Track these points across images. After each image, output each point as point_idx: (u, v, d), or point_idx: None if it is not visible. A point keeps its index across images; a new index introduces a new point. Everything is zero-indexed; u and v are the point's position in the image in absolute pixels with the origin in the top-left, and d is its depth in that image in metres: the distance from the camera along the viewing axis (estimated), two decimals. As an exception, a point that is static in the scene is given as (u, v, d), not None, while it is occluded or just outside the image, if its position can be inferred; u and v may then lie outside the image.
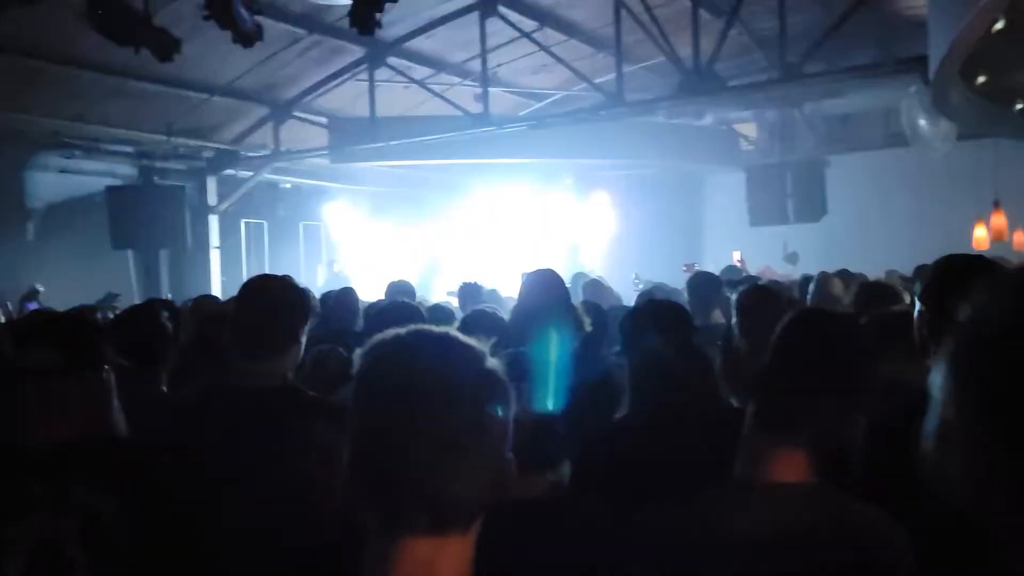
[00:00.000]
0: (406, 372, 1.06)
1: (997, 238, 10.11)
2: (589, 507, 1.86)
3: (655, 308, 2.86)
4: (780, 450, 1.58)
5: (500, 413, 1.09)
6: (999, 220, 10.24)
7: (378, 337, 1.12)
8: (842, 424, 1.57)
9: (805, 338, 1.66)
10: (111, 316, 5.07)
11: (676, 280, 7.56)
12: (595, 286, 6.38)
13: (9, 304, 8.28)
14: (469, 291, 6.00)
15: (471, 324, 3.43)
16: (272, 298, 2.36)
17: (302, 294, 2.46)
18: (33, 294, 8.67)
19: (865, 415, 1.59)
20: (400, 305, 4.17)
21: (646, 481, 1.97)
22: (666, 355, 2.45)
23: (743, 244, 7.45)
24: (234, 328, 2.38)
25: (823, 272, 5.09)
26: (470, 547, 1.08)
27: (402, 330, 1.12)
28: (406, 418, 1.04)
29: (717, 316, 4.69)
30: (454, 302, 6.18)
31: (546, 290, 3.45)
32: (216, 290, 11.62)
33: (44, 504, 1.74)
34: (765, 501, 1.54)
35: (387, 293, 5.85)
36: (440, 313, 4.91)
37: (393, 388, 1.06)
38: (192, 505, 1.90)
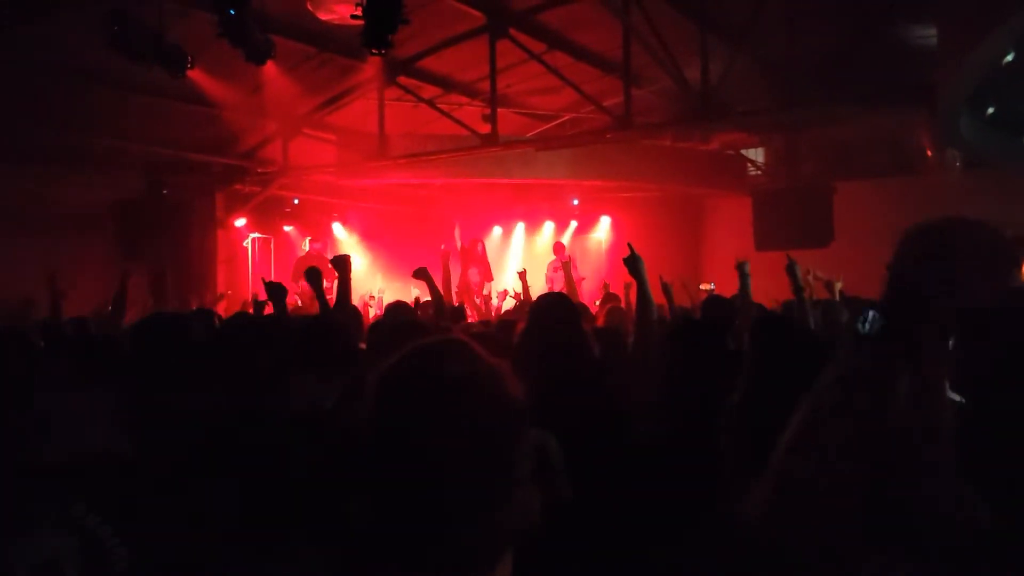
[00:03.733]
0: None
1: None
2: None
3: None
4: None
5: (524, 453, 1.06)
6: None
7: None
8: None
9: (778, 374, 1.62)
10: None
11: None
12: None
13: None
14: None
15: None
16: None
17: None
18: (28, 304, 8.61)
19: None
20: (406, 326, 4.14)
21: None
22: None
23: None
24: None
25: (829, 299, 5.09)
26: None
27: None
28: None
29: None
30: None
31: (557, 317, 3.43)
32: (221, 305, 11.64)
33: (45, 523, 1.74)
34: (747, 537, 1.53)
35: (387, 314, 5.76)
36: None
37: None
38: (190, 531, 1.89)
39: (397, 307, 5.20)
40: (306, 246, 13.71)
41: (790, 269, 5.25)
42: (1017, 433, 1.81)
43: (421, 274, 5.40)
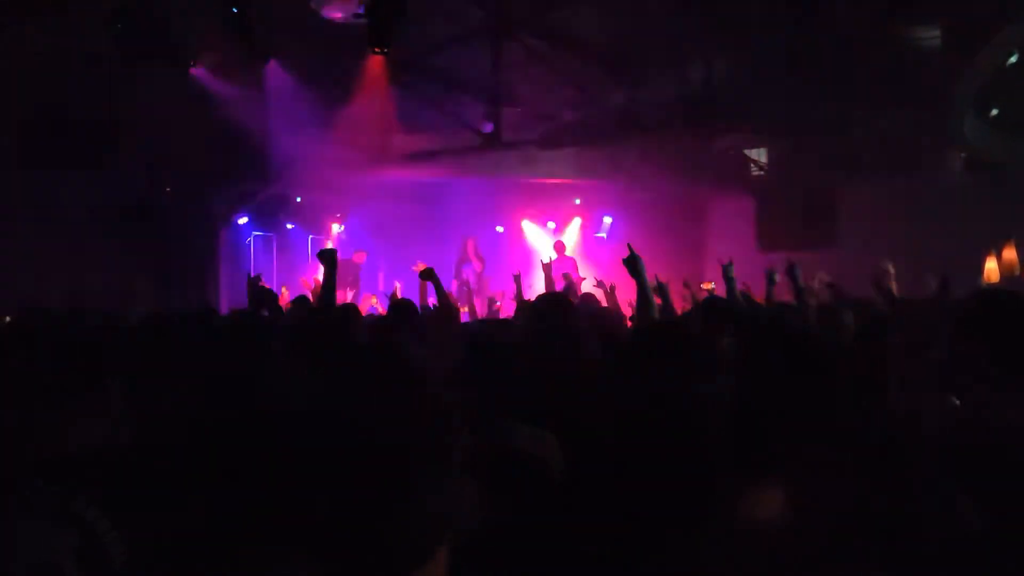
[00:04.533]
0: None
1: (1007, 271, 10.06)
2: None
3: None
4: (757, 487, 1.55)
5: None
6: (1010, 253, 10.19)
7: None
8: (819, 458, 1.54)
9: (766, 375, 1.61)
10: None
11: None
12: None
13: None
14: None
15: (479, 346, 3.42)
16: None
17: None
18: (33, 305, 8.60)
19: (842, 444, 1.56)
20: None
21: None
22: None
23: (749, 268, 7.43)
24: None
25: (832, 302, 5.07)
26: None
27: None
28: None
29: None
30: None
31: (555, 317, 3.43)
32: (223, 302, 11.65)
33: (42, 515, 1.74)
34: (745, 537, 1.52)
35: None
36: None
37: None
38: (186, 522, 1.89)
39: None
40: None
41: (791, 272, 5.33)
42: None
43: (428, 275, 5.35)
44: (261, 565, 1.76)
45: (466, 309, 7.64)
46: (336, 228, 14.91)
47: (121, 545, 1.74)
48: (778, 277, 5.60)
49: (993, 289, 2.14)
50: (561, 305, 3.54)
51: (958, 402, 1.99)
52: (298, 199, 13.87)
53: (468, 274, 12.41)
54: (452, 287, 12.21)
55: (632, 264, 4.20)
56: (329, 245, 13.90)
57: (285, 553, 1.97)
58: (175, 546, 1.81)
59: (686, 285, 6.23)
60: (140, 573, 1.75)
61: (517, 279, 7.71)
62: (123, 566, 1.74)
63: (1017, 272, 10.00)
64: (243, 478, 2.13)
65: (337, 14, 6.93)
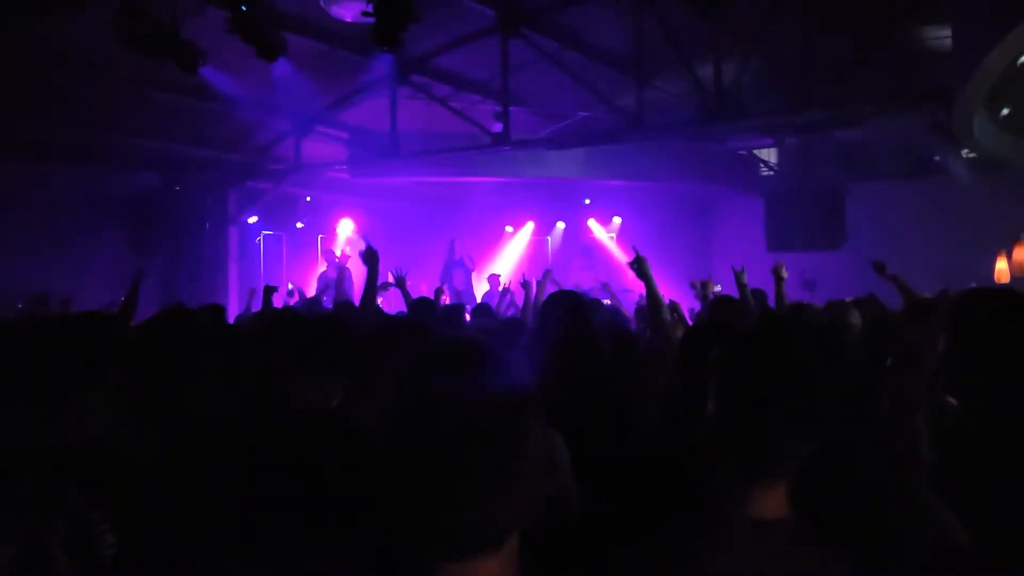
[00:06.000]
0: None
1: (1018, 272, 10.01)
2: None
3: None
4: (756, 489, 1.55)
5: (530, 437, 1.08)
6: (1021, 253, 10.14)
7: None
8: (811, 449, 1.54)
9: (747, 377, 1.60)
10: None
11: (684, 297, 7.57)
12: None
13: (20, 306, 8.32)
14: (424, 307, 5.58)
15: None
16: None
17: None
18: (43, 299, 8.68)
19: (826, 433, 1.55)
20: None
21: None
22: None
23: (758, 268, 7.41)
24: None
25: (841, 300, 5.05)
26: (508, 562, 1.09)
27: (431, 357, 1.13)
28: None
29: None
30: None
31: (565, 312, 3.42)
32: (233, 301, 11.69)
33: (34, 505, 1.74)
34: (744, 539, 1.52)
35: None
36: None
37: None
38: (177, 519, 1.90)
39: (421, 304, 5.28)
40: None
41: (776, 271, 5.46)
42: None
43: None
44: (254, 561, 1.77)
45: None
46: (345, 227, 14.94)
47: (111, 537, 1.75)
48: (785, 273, 5.60)
49: (979, 288, 2.12)
50: (571, 304, 3.52)
51: (955, 402, 1.98)
52: (307, 198, 13.91)
53: (458, 277, 12.43)
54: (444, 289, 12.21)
55: (638, 266, 4.20)
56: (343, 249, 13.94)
57: (285, 548, 1.98)
58: (166, 541, 1.82)
59: (692, 285, 6.21)
60: (130, 566, 1.75)
61: (525, 287, 7.69)
62: (113, 557, 1.74)
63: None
64: (259, 475, 2.14)
65: (345, 12, 6.94)
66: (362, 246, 4.94)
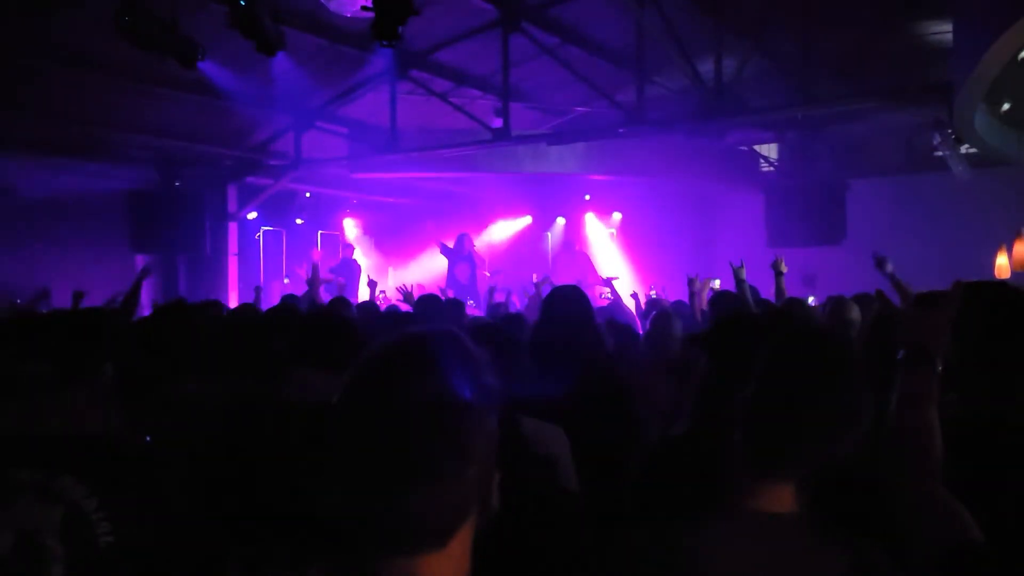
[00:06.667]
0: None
1: (1018, 267, 10.00)
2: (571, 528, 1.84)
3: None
4: (766, 483, 1.54)
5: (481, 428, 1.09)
6: (1021, 248, 10.13)
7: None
8: (830, 454, 1.53)
9: (790, 370, 1.60)
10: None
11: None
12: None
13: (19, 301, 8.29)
14: (429, 304, 5.63)
15: (483, 338, 3.42)
16: None
17: None
18: (45, 294, 8.65)
19: (855, 441, 1.54)
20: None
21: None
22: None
23: (759, 264, 7.40)
24: None
25: (841, 296, 5.04)
26: (457, 560, 1.08)
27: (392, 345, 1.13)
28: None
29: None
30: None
31: (568, 308, 3.41)
32: (233, 297, 11.69)
33: (29, 492, 1.75)
34: (750, 532, 1.51)
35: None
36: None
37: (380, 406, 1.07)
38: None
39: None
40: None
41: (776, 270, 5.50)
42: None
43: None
44: (251, 556, 1.77)
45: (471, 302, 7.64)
46: (349, 224, 14.96)
47: (108, 524, 1.76)
48: (785, 268, 5.62)
49: (976, 282, 2.11)
50: (574, 299, 3.52)
51: (955, 397, 1.98)
52: (307, 194, 13.90)
53: (463, 272, 12.40)
54: (447, 283, 12.21)
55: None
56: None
57: (281, 545, 1.98)
58: (164, 530, 1.82)
59: (690, 282, 6.20)
60: (127, 554, 1.76)
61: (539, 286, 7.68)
62: (108, 546, 1.75)
63: (1028, 268, 9.94)
64: (255, 470, 2.14)
65: (345, 7, 6.92)
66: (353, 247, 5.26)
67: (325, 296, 7.15)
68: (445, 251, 12.77)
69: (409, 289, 6.33)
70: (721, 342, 2.35)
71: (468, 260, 12.70)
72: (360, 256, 13.92)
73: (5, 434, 1.88)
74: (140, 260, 11.49)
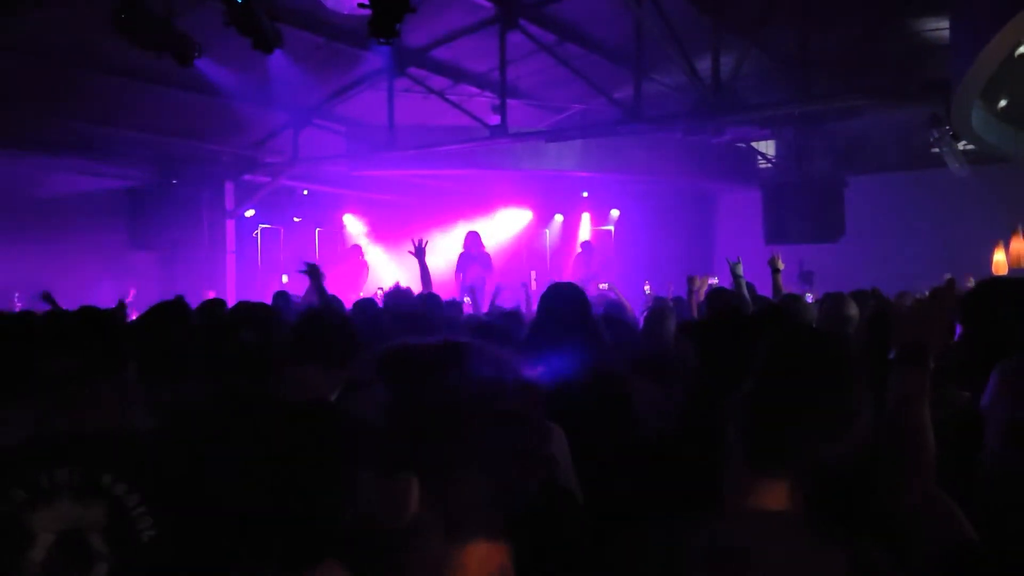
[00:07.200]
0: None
1: (1015, 263, 10.01)
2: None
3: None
4: (764, 480, 1.54)
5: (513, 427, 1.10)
6: (1018, 245, 10.14)
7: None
8: (829, 453, 1.53)
9: (789, 368, 1.60)
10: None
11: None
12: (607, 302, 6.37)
13: (17, 300, 8.30)
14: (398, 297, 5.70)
15: (480, 336, 3.42)
16: None
17: None
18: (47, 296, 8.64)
19: (853, 440, 1.54)
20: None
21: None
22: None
23: (756, 261, 7.41)
24: None
25: (838, 292, 5.05)
26: (484, 554, 1.10)
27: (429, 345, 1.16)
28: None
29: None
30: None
31: (566, 304, 3.41)
32: (231, 294, 11.68)
33: (70, 491, 1.76)
34: (750, 530, 1.51)
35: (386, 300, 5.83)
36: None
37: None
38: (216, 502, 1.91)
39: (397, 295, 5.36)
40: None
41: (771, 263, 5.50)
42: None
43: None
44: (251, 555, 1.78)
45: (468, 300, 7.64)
46: (349, 221, 14.99)
47: (149, 519, 1.76)
48: (782, 265, 5.64)
49: (993, 278, 2.11)
50: (572, 295, 3.52)
51: (968, 395, 1.98)
52: (304, 192, 13.89)
53: (472, 272, 12.36)
54: (457, 282, 12.19)
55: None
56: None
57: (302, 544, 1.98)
58: (203, 525, 1.83)
59: (690, 280, 6.21)
60: (168, 549, 1.76)
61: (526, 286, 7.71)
62: (151, 540, 1.75)
63: (1024, 264, 9.95)
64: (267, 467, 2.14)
65: (341, 4, 6.91)
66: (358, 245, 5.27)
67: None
68: (461, 261, 12.70)
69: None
70: (711, 335, 2.35)
71: (477, 260, 12.69)
72: (367, 254, 13.95)
73: (42, 432, 1.88)
74: (139, 258, 11.51)
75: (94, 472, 1.77)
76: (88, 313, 2.19)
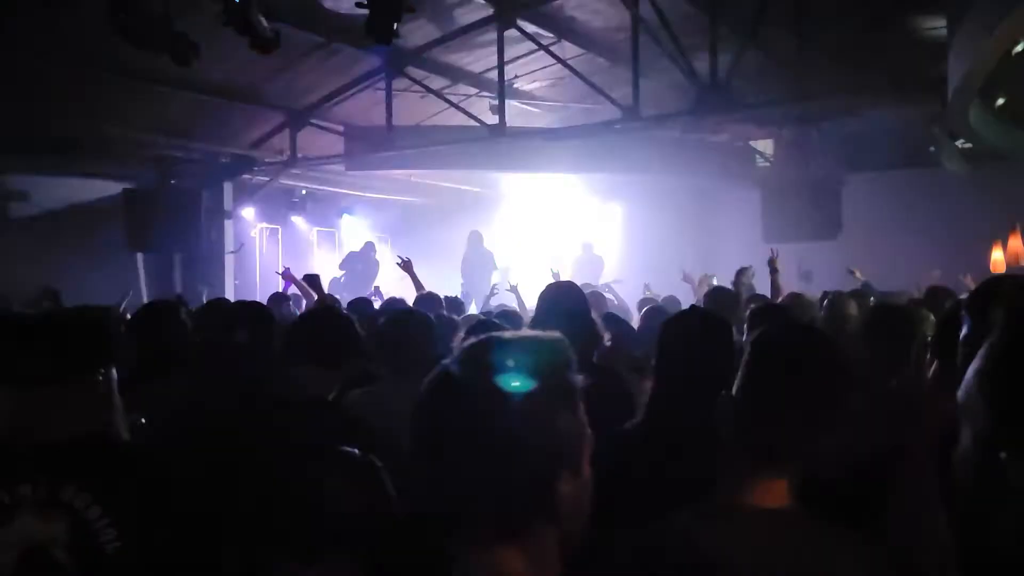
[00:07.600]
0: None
1: (1013, 262, 10.02)
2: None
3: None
4: (762, 477, 1.54)
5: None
6: (1016, 243, 10.15)
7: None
8: (825, 448, 1.54)
9: (776, 363, 1.60)
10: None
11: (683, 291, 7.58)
12: (595, 297, 6.35)
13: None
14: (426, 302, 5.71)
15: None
16: None
17: None
18: (52, 294, 8.60)
19: (848, 435, 1.55)
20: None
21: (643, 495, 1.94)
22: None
23: (756, 260, 7.42)
24: None
25: (838, 292, 5.07)
26: (537, 556, 1.10)
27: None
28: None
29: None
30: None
31: (565, 303, 3.42)
32: (229, 295, 11.67)
33: (32, 505, 1.72)
34: (744, 525, 1.52)
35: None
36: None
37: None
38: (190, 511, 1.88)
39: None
40: None
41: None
42: None
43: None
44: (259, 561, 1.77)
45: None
46: (347, 220, 14.98)
47: (113, 531, 1.74)
48: (780, 265, 5.65)
49: (997, 276, 2.11)
50: (573, 292, 3.52)
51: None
52: (303, 191, 13.89)
53: (479, 273, 12.35)
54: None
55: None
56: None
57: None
58: (171, 537, 1.81)
59: (685, 279, 6.23)
60: (135, 558, 1.74)
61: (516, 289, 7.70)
62: (116, 552, 1.73)
63: (1023, 262, 9.96)
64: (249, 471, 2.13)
65: (339, 3, 6.92)
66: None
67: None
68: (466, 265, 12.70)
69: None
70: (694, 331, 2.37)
71: (480, 260, 12.69)
72: (380, 254, 13.92)
73: (4, 445, 1.83)
74: (137, 259, 11.50)
75: (55, 485, 1.74)
76: (66, 312, 2.14)
